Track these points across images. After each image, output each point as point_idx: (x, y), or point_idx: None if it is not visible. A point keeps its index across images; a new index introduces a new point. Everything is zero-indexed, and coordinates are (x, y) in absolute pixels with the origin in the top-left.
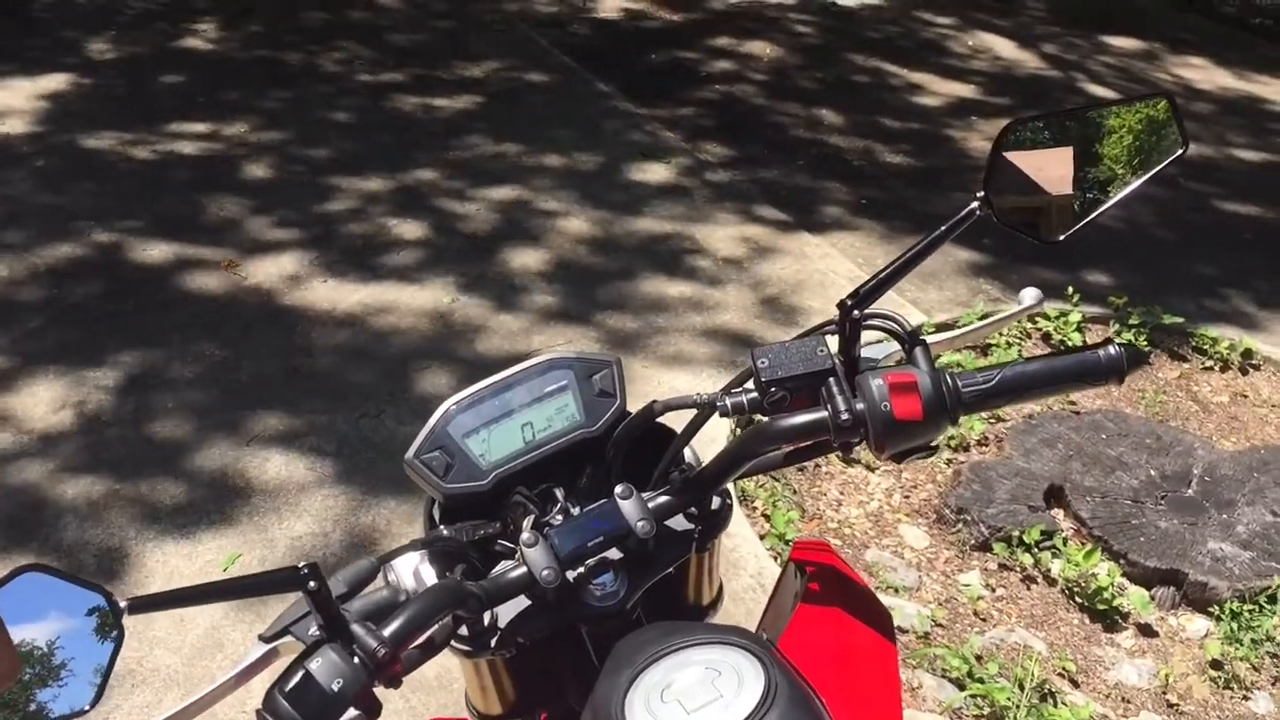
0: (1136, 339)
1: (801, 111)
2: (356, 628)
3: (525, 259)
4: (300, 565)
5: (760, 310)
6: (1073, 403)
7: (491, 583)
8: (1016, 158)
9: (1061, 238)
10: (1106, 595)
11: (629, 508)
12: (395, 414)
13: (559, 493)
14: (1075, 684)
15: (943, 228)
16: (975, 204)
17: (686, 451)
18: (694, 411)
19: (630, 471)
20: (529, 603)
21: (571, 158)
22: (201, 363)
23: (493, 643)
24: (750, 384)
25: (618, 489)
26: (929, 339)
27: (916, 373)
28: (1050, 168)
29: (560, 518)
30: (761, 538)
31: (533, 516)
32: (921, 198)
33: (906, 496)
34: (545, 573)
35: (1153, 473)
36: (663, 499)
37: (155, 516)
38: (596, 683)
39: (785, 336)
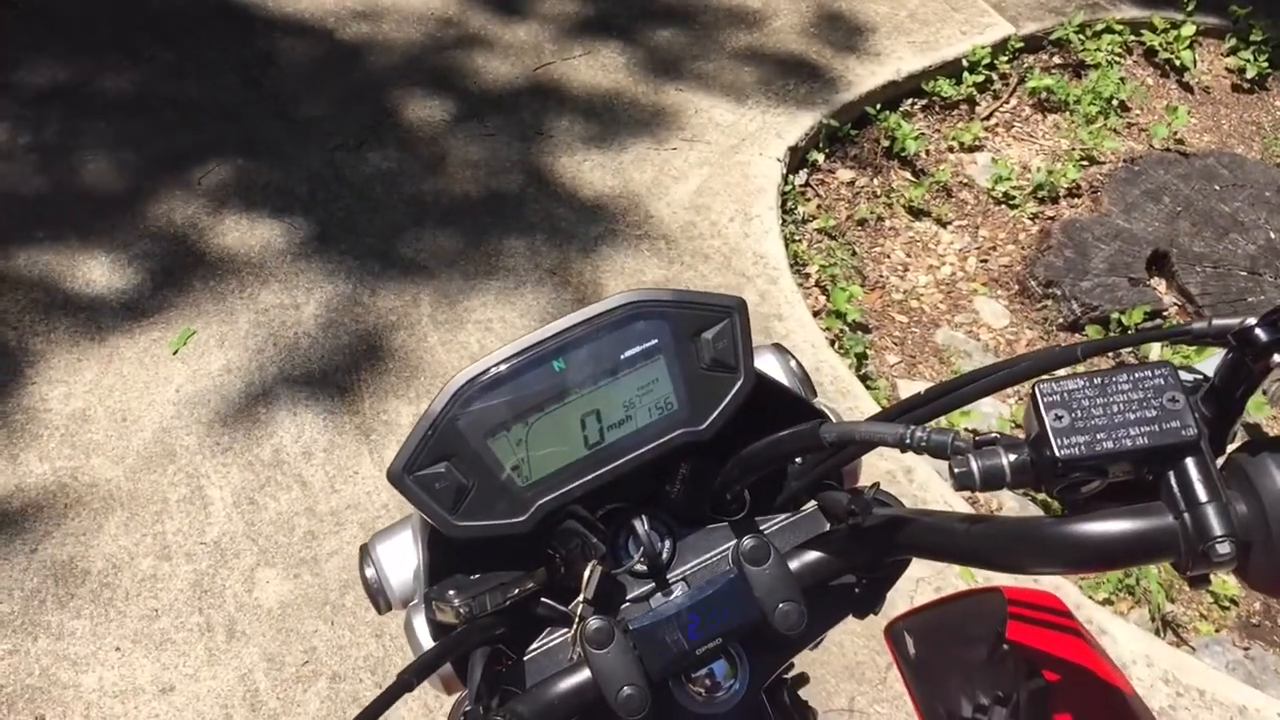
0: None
1: None
2: None
3: None
4: None
5: (816, 23)
6: (1180, 142)
7: (535, 700)
8: None
9: None
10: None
11: (765, 579)
12: (378, 145)
13: (640, 523)
14: None
15: None
16: None
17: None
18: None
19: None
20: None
21: None
22: (139, 69)
23: None
24: (1026, 436)
25: (745, 545)
26: None
27: None
28: None
29: (643, 563)
30: (816, 314)
31: (597, 569)
32: None
33: (984, 260)
34: (625, 693)
35: (1273, 235)
36: (814, 556)
37: (86, 281)
38: None
39: (847, 60)
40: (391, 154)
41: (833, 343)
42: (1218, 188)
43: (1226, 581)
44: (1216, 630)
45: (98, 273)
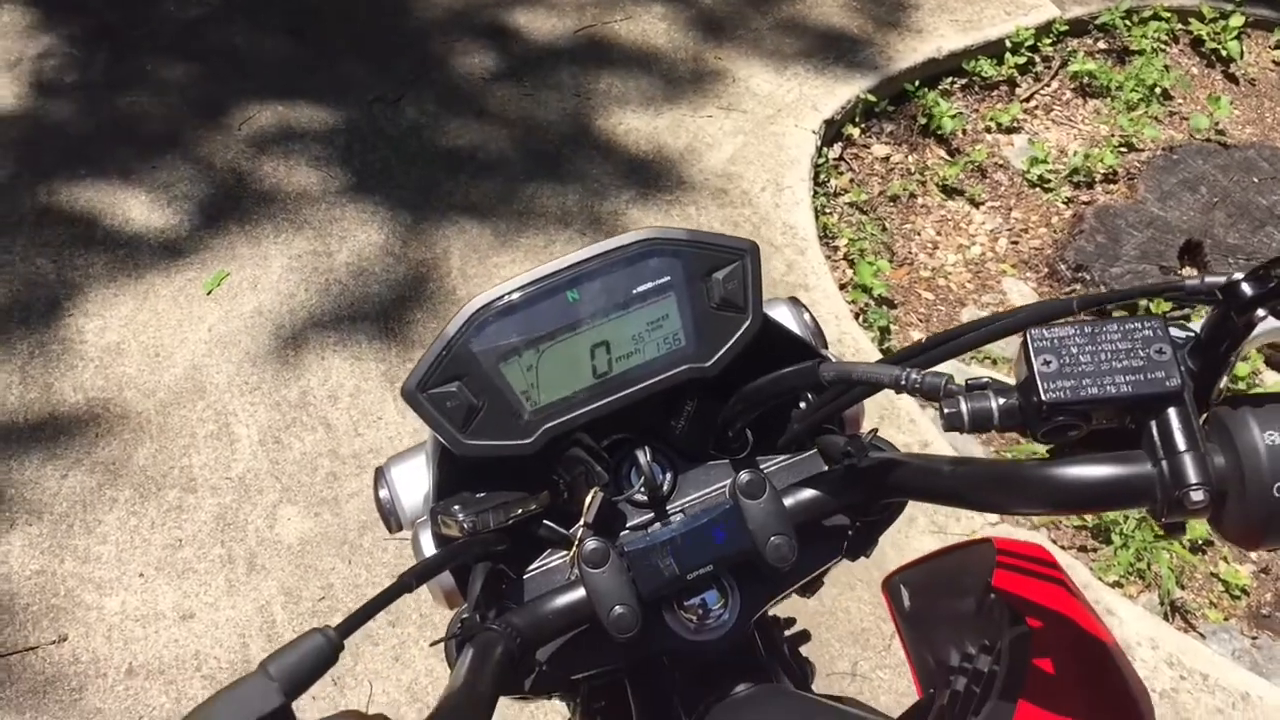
0: None
1: None
2: None
3: None
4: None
5: None
6: (1221, 133)
7: (531, 613)
8: None
9: None
10: (1243, 385)
11: (759, 513)
12: (416, 99)
13: (643, 454)
14: None
15: None
16: None
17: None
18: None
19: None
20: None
21: None
22: (186, 15)
23: (527, 683)
24: (1015, 374)
25: (741, 479)
26: None
27: None
28: None
29: (644, 493)
30: (842, 288)
31: (598, 495)
32: None
33: (1014, 242)
34: (617, 612)
35: None
36: (808, 494)
37: (126, 219)
38: None
39: (888, 35)
40: (430, 108)
41: (857, 316)
42: (1256, 180)
43: (1239, 571)
44: (1226, 619)
45: (137, 211)
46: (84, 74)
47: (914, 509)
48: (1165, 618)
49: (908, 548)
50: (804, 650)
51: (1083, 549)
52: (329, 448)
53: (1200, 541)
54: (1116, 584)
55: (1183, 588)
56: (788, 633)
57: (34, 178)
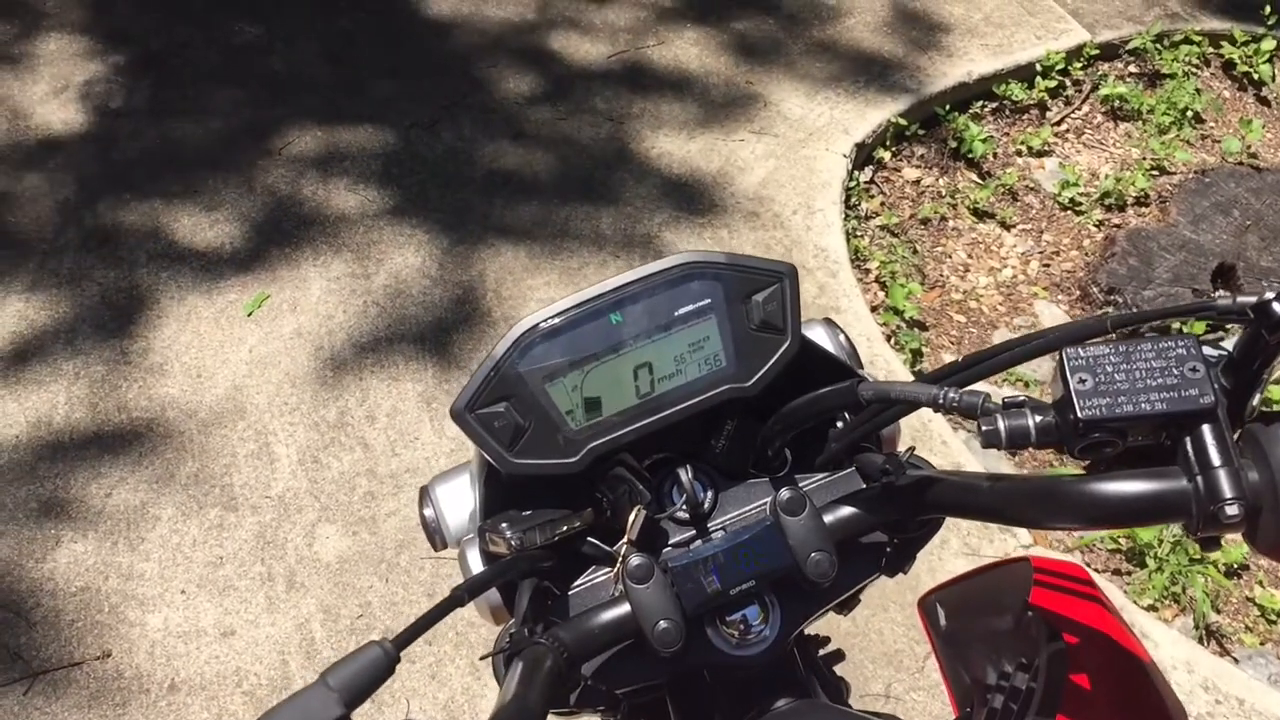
0: None
1: None
2: None
3: None
4: None
5: (891, 22)
6: (1254, 156)
7: (577, 628)
8: None
9: None
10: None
11: (799, 529)
12: (452, 124)
13: (685, 473)
14: None
15: None
16: None
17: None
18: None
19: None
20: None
21: None
22: (228, 43)
23: (572, 698)
24: (1049, 397)
25: (782, 496)
26: None
27: None
28: None
29: (685, 511)
30: (873, 310)
31: (641, 513)
32: None
33: (1046, 265)
34: (662, 626)
35: None
36: (847, 511)
37: (169, 243)
38: None
39: (919, 60)
40: (465, 133)
41: (889, 338)
42: None
43: (1275, 596)
44: (1262, 643)
45: (180, 235)
46: (129, 100)
47: (947, 532)
48: (1200, 641)
49: (940, 570)
50: (838, 670)
51: (1117, 572)
52: (367, 467)
53: (1236, 566)
54: (1151, 608)
55: (1218, 611)
56: (822, 652)
57: (79, 201)
